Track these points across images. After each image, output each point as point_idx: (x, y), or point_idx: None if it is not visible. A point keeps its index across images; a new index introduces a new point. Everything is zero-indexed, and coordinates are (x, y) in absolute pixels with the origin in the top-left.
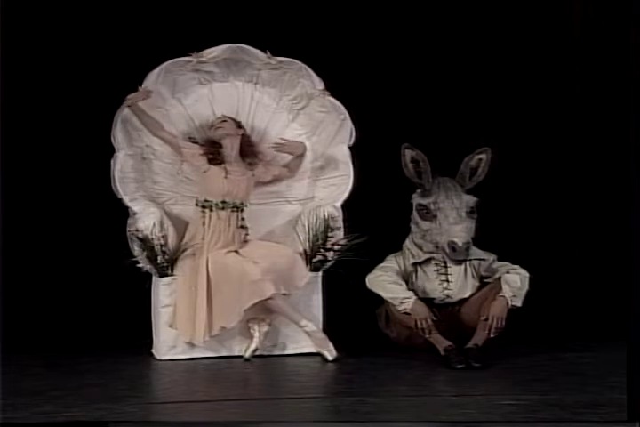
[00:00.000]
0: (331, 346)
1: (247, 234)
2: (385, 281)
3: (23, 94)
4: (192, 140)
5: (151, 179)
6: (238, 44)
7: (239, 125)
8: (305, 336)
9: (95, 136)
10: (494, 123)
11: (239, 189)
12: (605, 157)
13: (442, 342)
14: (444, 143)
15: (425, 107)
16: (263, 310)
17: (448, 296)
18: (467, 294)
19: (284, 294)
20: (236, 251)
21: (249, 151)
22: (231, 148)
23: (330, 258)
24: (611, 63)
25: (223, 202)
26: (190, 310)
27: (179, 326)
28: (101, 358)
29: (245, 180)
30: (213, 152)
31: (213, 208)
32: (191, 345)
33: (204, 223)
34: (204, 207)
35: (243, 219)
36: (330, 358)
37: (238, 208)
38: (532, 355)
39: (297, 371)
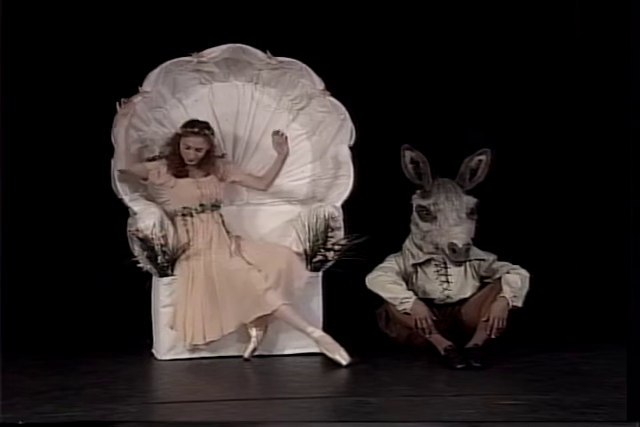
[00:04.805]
0: (342, 350)
1: (228, 231)
2: (385, 281)
3: (23, 94)
4: (155, 157)
5: None
6: (238, 44)
7: (211, 132)
8: (305, 336)
9: (95, 136)
10: (494, 124)
11: (212, 190)
12: (605, 157)
13: (442, 342)
14: (444, 144)
15: (425, 107)
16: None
17: (448, 297)
18: (467, 295)
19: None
20: (237, 252)
21: (208, 157)
22: (196, 158)
23: (330, 258)
24: (611, 63)
25: (201, 205)
26: (189, 312)
27: (178, 328)
28: (101, 358)
29: (215, 180)
30: (177, 165)
31: (193, 213)
32: (191, 345)
33: (187, 231)
34: (184, 215)
35: (221, 215)
36: (344, 362)
37: (216, 206)
38: (532, 355)
39: (297, 371)
